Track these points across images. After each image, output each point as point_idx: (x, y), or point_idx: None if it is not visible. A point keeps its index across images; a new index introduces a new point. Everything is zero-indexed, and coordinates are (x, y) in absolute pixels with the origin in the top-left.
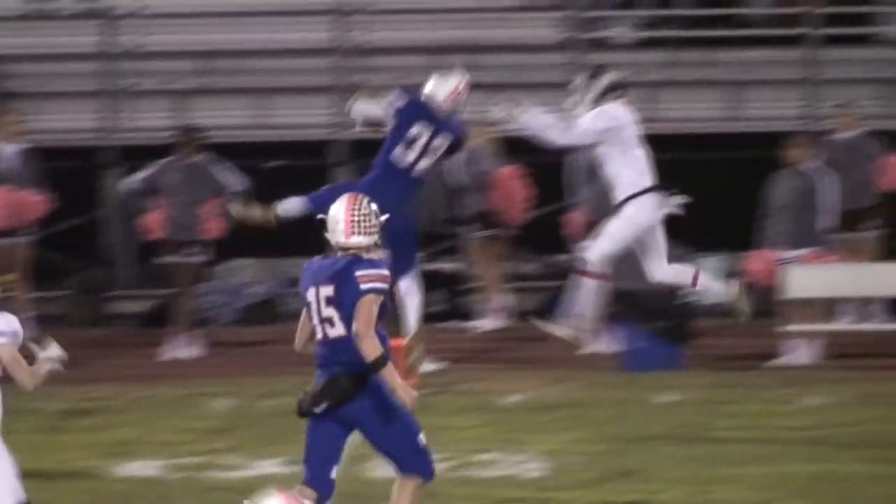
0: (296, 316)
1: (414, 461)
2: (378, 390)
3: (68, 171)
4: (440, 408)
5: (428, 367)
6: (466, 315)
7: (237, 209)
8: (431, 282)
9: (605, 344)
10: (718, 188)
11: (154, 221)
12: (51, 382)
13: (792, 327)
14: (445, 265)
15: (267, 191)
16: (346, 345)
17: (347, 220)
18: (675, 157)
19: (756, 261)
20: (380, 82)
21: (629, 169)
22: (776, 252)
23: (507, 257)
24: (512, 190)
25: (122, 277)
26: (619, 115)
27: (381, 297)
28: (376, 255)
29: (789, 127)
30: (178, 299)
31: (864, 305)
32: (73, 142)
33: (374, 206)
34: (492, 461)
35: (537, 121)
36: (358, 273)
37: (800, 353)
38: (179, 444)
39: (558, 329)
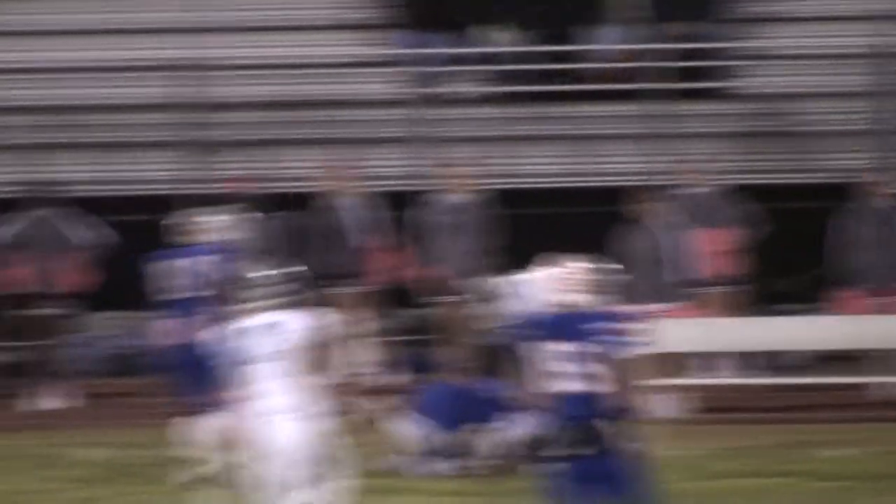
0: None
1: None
2: (618, 443)
3: None
4: None
5: None
6: None
7: None
8: None
9: None
10: (558, 244)
11: (14, 275)
12: None
13: (658, 381)
14: None
15: (129, 244)
16: (588, 399)
17: (565, 279)
18: (511, 212)
19: None
20: (218, 138)
21: None
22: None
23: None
24: (394, 248)
25: None
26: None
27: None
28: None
29: (628, 182)
30: (41, 351)
31: (712, 359)
32: None
33: (590, 266)
34: None
35: None
36: (617, 329)
37: (662, 407)
38: (46, 492)
39: None
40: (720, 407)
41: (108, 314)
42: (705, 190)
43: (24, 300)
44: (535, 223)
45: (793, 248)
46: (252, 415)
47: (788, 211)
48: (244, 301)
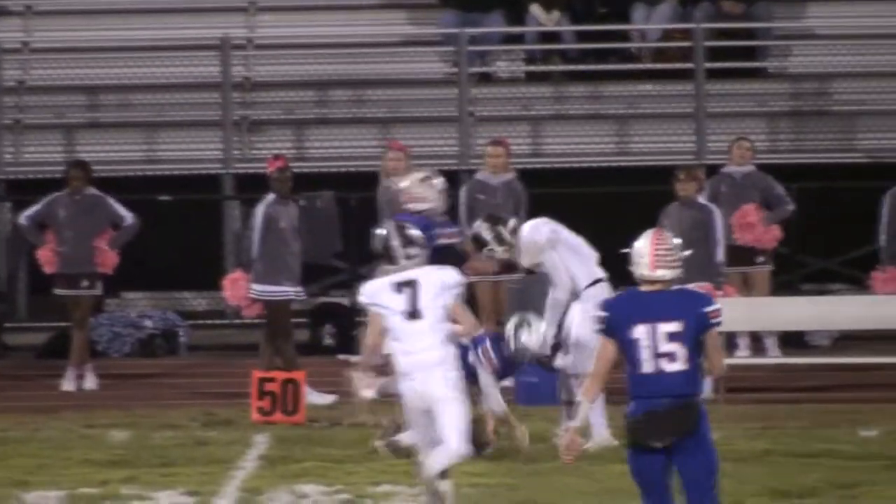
0: (192, 347)
1: (704, 500)
2: (703, 424)
3: None
4: (333, 441)
5: (319, 399)
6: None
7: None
8: (322, 315)
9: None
10: (607, 223)
11: (47, 255)
12: None
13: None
14: (337, 299)
15: (156, 225)
16: (682, 379)
17: (652, 254)
18: (561, 192)
19: None
20: (266, 117)
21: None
22: None
23: None
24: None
25: (18, 310)
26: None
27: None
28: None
29: (678, 161)
30: (74, 332)
31: (755, 339)
32: None
33: (676, 241)
34: (387, 493)
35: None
36: (708, 309)
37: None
38: (77, 475)
39: None
40: (747, 388)
41: (135, 294)
42: (751, 168)
43: (57, 280)
44: (584, 203)
45: (837, 227)
46: (399, 370)
47: (833, 190)
48: (390, 260)
